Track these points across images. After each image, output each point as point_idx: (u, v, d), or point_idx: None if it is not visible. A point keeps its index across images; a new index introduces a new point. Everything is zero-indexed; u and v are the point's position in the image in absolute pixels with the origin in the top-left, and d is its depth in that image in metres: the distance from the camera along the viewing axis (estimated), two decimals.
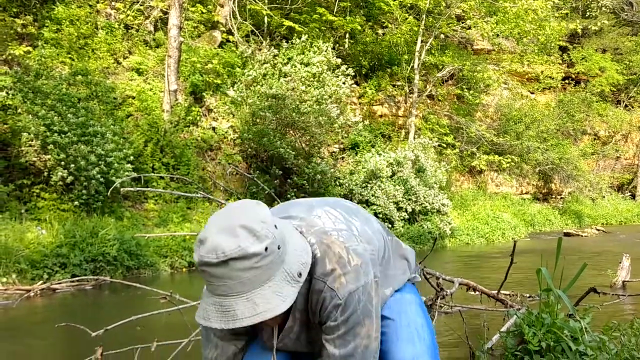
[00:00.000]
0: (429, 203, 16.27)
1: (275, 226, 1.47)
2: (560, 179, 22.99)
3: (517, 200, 21.87)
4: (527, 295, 5.34)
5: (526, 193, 22.89)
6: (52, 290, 8.77)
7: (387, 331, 1.75)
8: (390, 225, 15.34)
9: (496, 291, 4.58)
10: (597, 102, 25.30)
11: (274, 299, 1.40)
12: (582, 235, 17.71)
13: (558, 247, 3.03)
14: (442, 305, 4.16)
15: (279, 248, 1.44)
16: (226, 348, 1.74)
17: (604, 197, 24.68)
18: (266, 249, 1.39)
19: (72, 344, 5.06)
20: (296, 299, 1.65)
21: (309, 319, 1.69)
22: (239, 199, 10.77)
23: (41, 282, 8.89)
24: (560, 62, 26.31)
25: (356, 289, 1.60)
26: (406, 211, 15.81)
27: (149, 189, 10.02)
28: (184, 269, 11.95)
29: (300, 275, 1.48)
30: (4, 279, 8.98)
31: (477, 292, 4.60)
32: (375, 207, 15.33)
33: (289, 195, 13.88)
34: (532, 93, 25.23)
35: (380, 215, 15.43)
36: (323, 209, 1.78)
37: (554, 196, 23.53)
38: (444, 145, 19.50)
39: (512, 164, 21.03)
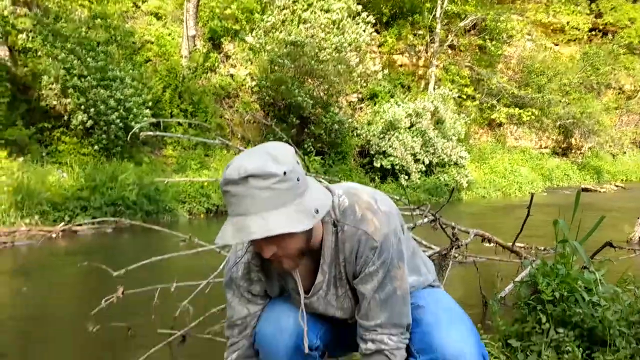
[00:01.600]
0: (447, 155, 16.18)
1: (298, 163, 1.54)
2: (581, 133, 22.67)
3: (536, 155, 21.67)
4: (542, 248, 5.35)
5: (545, 147, 22.65)
6: (73, 232, 8.97)
7: (423, 317, 1.75)
8: (406, 177, 15.33)
9: (511, 243, 4.60)
10: (624, 54, 24.60)
11: (287, 221, 1.46)
12: (600, 191, 17.57)
13: (577, 199, 3.02)
14: (457, 255, 4.20)
15: (298, 180, 1.50)
16: (239, 309, 1.82)
17: (625, 152, 24.34)
18: (285, 173, 1.46)
19: (94, 284, 5.21)
20: (323, 252, 1.69)
21: (338, 274, 1.73)
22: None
23: (63, 223, 9.08)
24: (588, 12, 25.50)
25: (389, 232, 1.66)
26: (423, 163, 15.75)
27: (167, 134, 10.09)
28: (202, 215, 12.12)
29: (317, 212, 1.52)
30: (27, 220, 9.19)
31: (492, 244, 4.63)
32: (392, 158, 15.28)
33: (305, 145, 13.88)
34: (556, 45, 24.60)
35: (397, 167, 15.40)
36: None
37: (573, 151, 23.25)
38: (464, 97, 19.23)
39: (533, 117, 20.72)
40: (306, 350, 1.74)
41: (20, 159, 10.14)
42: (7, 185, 9.23)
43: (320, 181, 1.73)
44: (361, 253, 1.65)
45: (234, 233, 1.47)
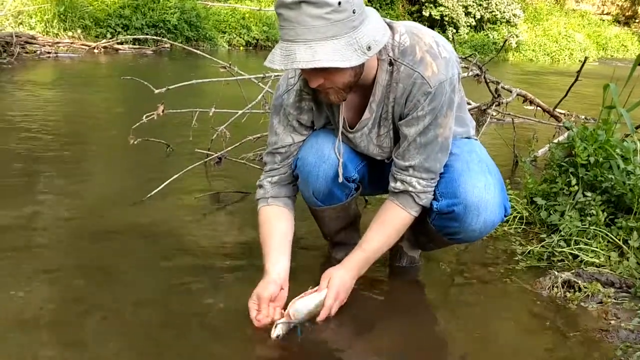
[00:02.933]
0: (500, 12, 15.38)
1: None
2: None
3: (595, 21, 20.43)
4: (583, 116, 5.24)
5: (607, 14, 21.24)
6: (114, 50, 9.02)
7: (454, 164, 1.77)
8: (454, 30, 14.73)
9: (552, 107, 4.50)
10: None
11: (333, 54, 1.43)
12: None
13: (635, 63, 2.86)
14: (496, 112, 4.14)
15: (354, 12, 1.44)
16: (284, 137, 1.85)
17: None
18: (339, 3, 1.40)
19: (134, 100, 5.32)
20: (374, 90, 1.68)
21: (385, 114, 1.73)
22: None
23: (105, 40, 9.09)
24: None
25: (445, 79, 1.62)
26: (474, 17, 15.05)
27: None
28: (241, 48, 12.01)
29: (369, 49, 1.48)
30: (70, 33, 9.23)
31: (533, 107, 4.54)
32: (442, 8, 14.60)
33: None
34: None
35: (446, 18, 14.75)
36: None
37: (637, 21, 21.76)
38: None
39: None
40: (340, 179, 1.81)
41: None
42: None
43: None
44: (413, 96, 1.63)
45: (281, 58, 1.46)
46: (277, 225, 1.84)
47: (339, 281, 1.70)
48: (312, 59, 1.42)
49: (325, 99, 1.65)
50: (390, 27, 1.64)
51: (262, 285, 1.69)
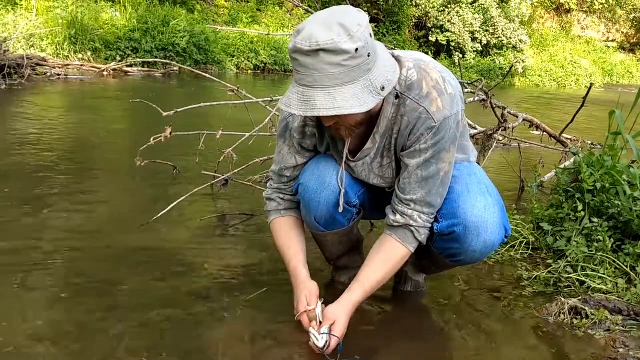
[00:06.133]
0: (506, 37, 15.48)
1: (371, 35, 1.48)
2: None
3: (601, 48, 20.52)
4: (590, 142, 5.23)
5: (612, 41, 21.35)
6: (124, 72, 9.11)
7: (454, 186, 1.78)
8: (461, 55, 14.83)
9: (559, 133, 4.50)
10: None
11: (352, 100, 1.45)
12: None
13: (639, 93, 2.88)
14: (502, 137, 4.15)
15: (368, 56, 1.45)
16: (288, 159, 1.89)
17: None
18: (357, 50, 1.42)
19: (142, 122, 5.36)
20: (379, 122, 1.69)
21: (388, 145, 1.74)
22: (310, 7, 10.46)
23: (114, 62, 9.18)
24: None
25: (450, 116, 1.64)
26: (480, 43, 15.14)
27: None
28: (249, 71, 12.11)
29: (383, 89, 1.49)
30: (80, 56, 9.34)
31: (539, 132, 4.54)
32: (449, 34, 14.70)
33: (361, 9, 13.39)
34: None
35: (453, 44, 14.85)
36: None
37: None
38: None
39: (606, 6, 19.36)
40: (340, 209, 1.83)
41: None
42: (62, 18, 9.29)
43: (392, 48, 1.67)
44: (417, 129, 1.64)
45: (299, 104, 1.47)
46: (296, 232, 1.93)
47: (342, 330, 1.67)
48: (332, 107, 1.44)
49: (335, 133, 1.67)
50: (398, 60, 1.65)
51: (309, 284, 1.77)
